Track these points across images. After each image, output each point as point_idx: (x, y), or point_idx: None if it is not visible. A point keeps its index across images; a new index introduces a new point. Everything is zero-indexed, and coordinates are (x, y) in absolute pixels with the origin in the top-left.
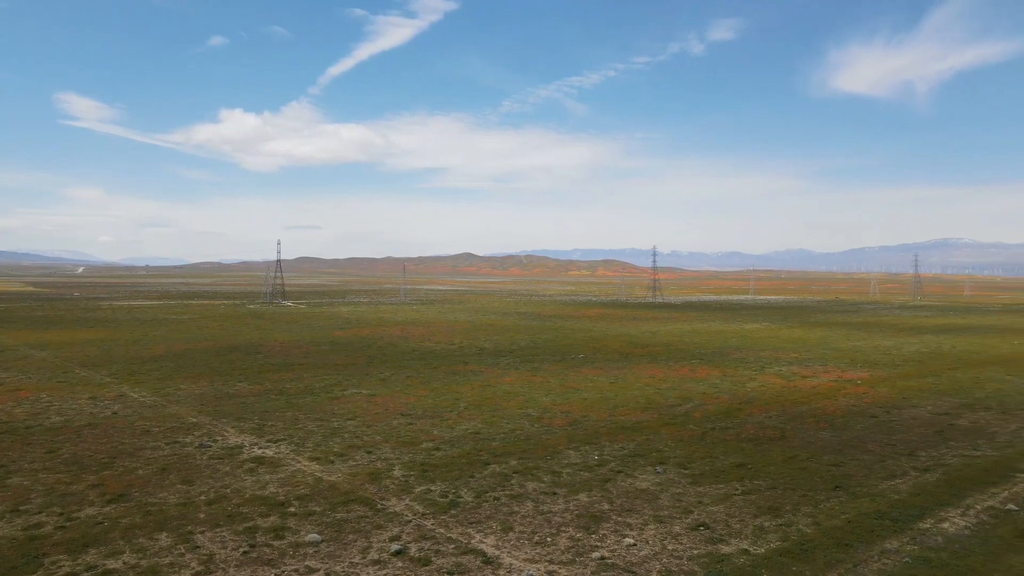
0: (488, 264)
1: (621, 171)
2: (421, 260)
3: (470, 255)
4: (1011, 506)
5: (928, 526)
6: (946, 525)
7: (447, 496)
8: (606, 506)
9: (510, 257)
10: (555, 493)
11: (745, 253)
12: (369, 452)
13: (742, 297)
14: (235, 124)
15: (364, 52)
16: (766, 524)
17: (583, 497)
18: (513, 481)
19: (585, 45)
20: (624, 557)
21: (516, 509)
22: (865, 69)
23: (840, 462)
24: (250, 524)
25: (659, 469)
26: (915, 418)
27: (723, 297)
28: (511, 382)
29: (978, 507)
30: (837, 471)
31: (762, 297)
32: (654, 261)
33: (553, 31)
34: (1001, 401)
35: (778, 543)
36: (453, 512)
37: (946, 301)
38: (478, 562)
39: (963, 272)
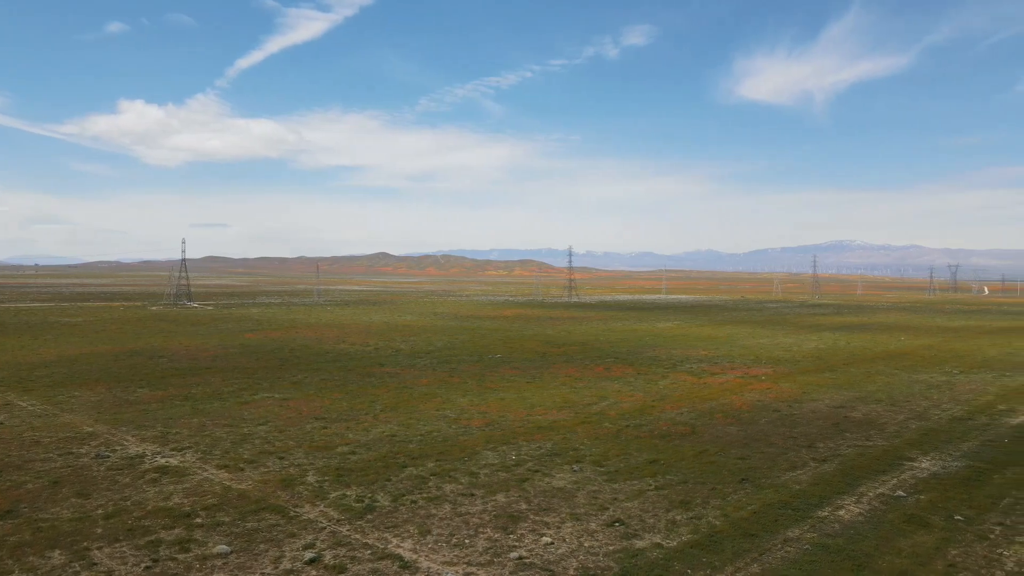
0: (404, 264)
1: (538, 172)
2: (335, 260)
3: (386, 255)
4: (900, 492)
5: (826, 514)
6: (842, 513)
7: (363, 501)
8: (524, 506)
9: (427, 257)
10: (473, 494)
11: (657, 253)
12: (281, 458)
13: (655, 296)
14: (135, 116)
15: (275, 45)
16: (678, 518)
17: (501, 497)
18: (430, 483)
19: (502, 45)
20: (542, 556)
21: (434, 512)
22: (768, 78)
23: (746, 455)
24: (152, 538)
25: (575, 467)
26: (814, 411)
27: (636, 296)
28: (428, 383)
29: (871, 494)
30: (744, 464)
31: (674, 296)
32: (570, 261)
33: (470, 30)
34: (890, 394)
35: (689, 536)
36: (369, 517)
37: (841, 300)
38: (395, 567)
39: (856, 272)
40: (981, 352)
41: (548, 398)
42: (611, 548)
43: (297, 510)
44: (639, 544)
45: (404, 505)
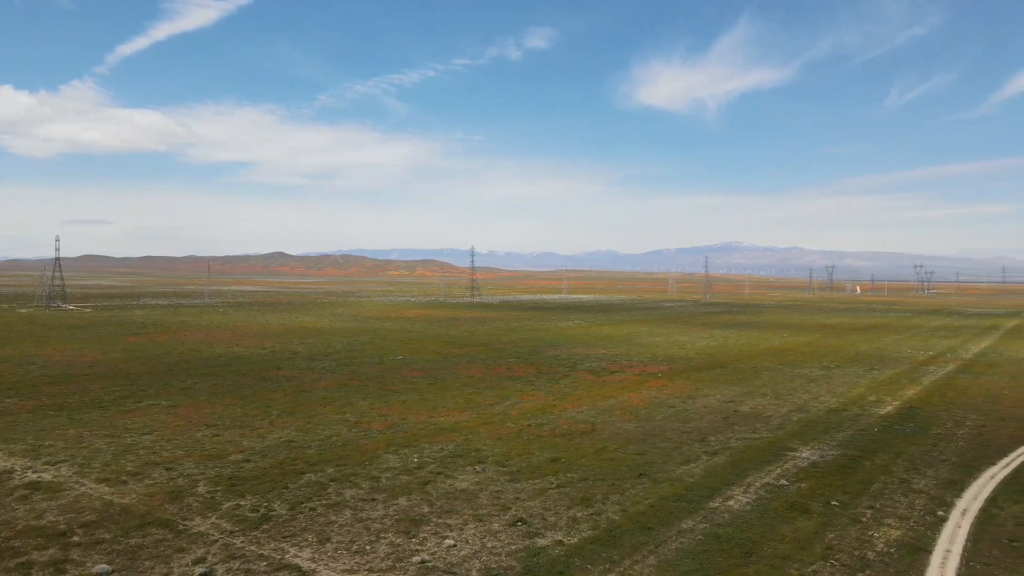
0: (302, 264)
1: (441, 171)
2: (228, 260)
3: (282, 254)
4: (783, 481)
5: (717, 504)
6: (732, 503)
7: (258, 510)
8: (426, 509)
9: (326, 257)
10: (374, 499)
11: (559, 254)
12: (169, 469)
13: (556, 296)
14: (2, 102)
15: (161, 32)
16: (579, 515)
17: (403, 501)
18: (330, 489)
19: (405, 43)
20: (444, 559)
21: (333, 518)
22: (664, 85)
23: (644, 451)
24: (23, 559)
25: (478, 468)
26: (706, 407)
27: (538, 296)
28: (327, 387)
29: (757, 484)
30: (641, 460)
31: (574, 296)
32: (472, 261)
33: (372, 25)
34: (774, 388)
35: (590, 532)
36: (265, 527)
37: (731, 299)
38: None
39: (744, 272)
40: (854, 348)
41: (451, 399)
42: (513, 547)
43: (186, 523)
44: (541, 542)
45: (302, 513)
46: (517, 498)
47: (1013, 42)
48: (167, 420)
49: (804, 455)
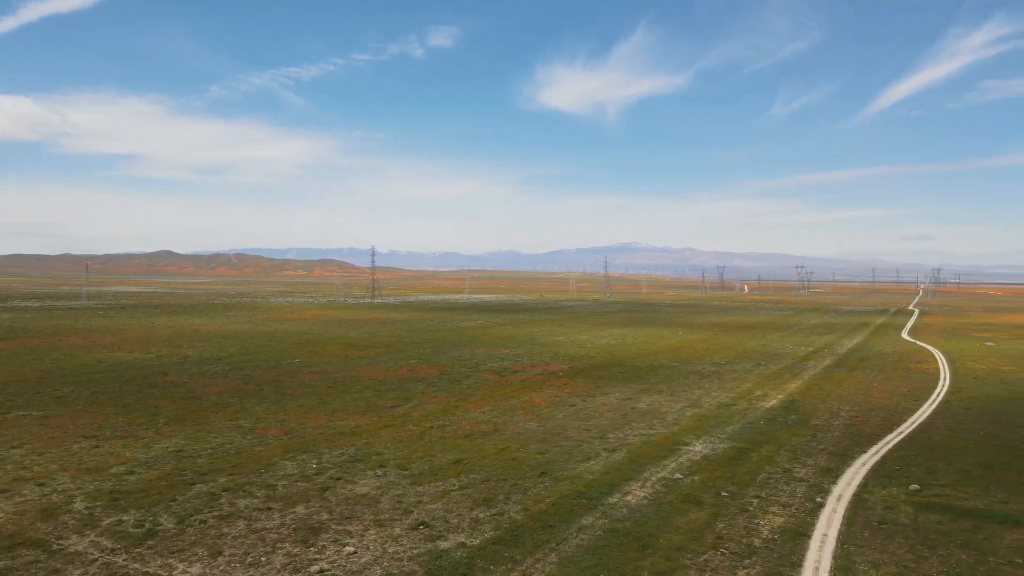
0: (192, 263)
1: (341, 169)
2: (109, 259)
3: (170, 253)
4: (678, 475)
5: (616, 500)
6: (630, 498)
7: (143, 525)
8: (325, 516)
9: (217, 256)
10: (270, 508)
11: (462, 253)
12: (41, 484)
13: (458, 296)
14: None
15: (33, 12)
16: (481, 516)
17: (300, 509)
18: (222, 500)
19: (303, 35)
20: (344, 567)
21: (226, 530)
22: (567, 88)
23: (545, 450)
24: None
25: (379, 472)
26: (605, 404)
27: (441, 296)
28: (219, 392)
29: (654, 479)
30: (543, 458)
31: (477, 296)
32: (373, 261)
33: (268, 15)
34: (670, 385)
35: (492, 532)
36: (151, 543)
37: (629, 298)
38: None
39: (642, 272)
40: (742, 345)
41: (351, 402)
42: (416, 552)
43: (62, 543)
44: (443, 545)
45: (192, 526)
46: (419, 501)
47: (884, 60)
48: (39, 432)
49: (697, 449)
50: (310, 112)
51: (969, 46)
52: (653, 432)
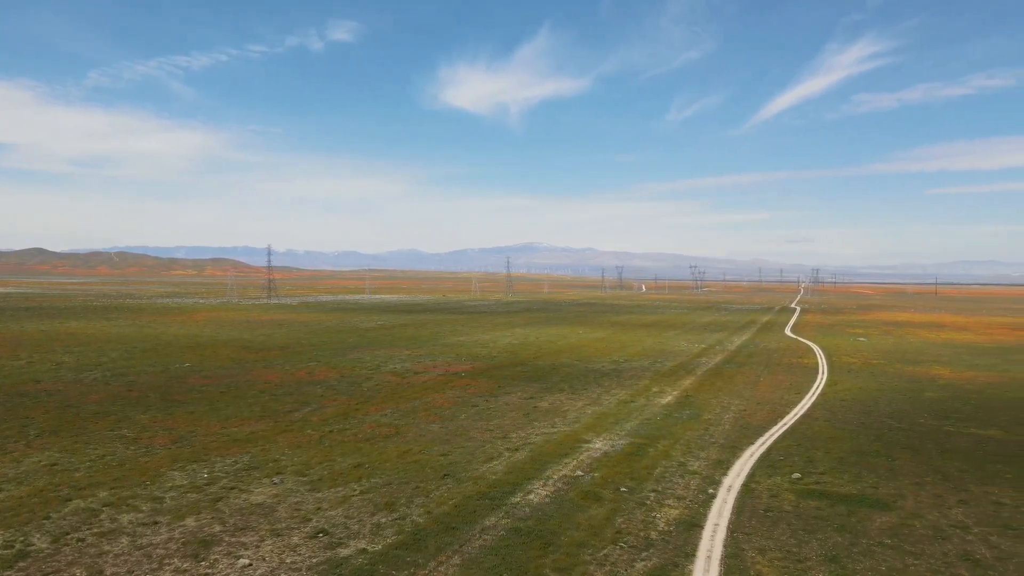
0: (68, 262)
1: (235, 164)
2: None
3: (42, 251)
4: (579, 472)
5: (519, 500)
6: (532, 497)
7: (13, 546)
8: (218, 528)
9: (97, 254)
10: (156, 522)
11: (362, 253)
12: None
13: (359, 296)
14: None
15: None
16: (383, 521)
17: (191, 522)
18: (103, 516)
19: (193, 22)
20: None
21: (108, 548)
22: (470, 88)
23: (448, 451)
24: None
25: (276, 480)
26: (508, 404)
27: (340, 297)
28: (99, 400)
29: (555, 477)
30: (446, 460)
31: (378, 296)
32: (269, 260)
33: None
34: (571, 384)
35: (394, 537)
36: (22, 565)
37: (531, 297)
38: None
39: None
40: (641, 343)
41: (245, 408)
42: (315, 560)
43: None
44: (344, 552)
45: (68, 545)
46: (318, 508)
47: (770, 71)
48: None
49: (597, 446)
50: (201, 104)
51: (844, 61)
52: (555, 431)
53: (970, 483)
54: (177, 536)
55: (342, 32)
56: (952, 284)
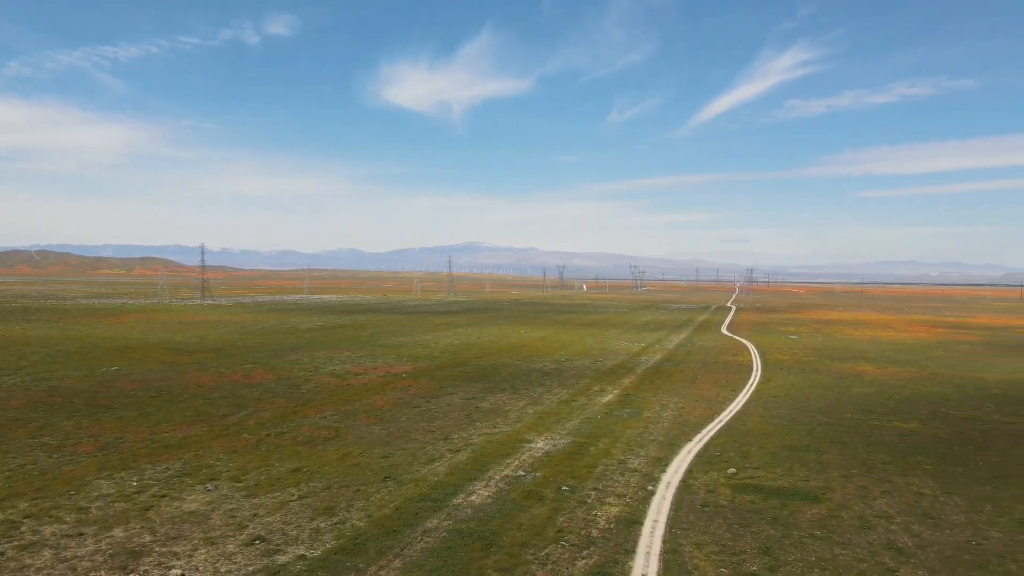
0: None
1: (167, 160)
2: None
3: None
4: (520, 472)
5: (460, 501)
6: (474, 498)
7: None
8: (148, 538)
9: (16, 252)
10: (82, 534)
11: (300, 252)
12: None
13: (297, 296)
14: None
15: None
16: (322, 525)
17: (118, 532)
18: (24, 528)
19: (121, 10)
20: None
21: (29, 562)
22: (412, 86)
23: (389, 453)
24: None
25: (210, 486)
26: (450, 405)
27: (278, 297)
28: (19, 406)
29: (497, 477)
30: (386, 462)
31: (316, 296)
32: (203, 259)
33: None
34: (513, 383)
35: (334, 542)
36: None
37: (473, 297)
38: None
39: (485, 271)
40: (582, 342)
41: (177, 412)
42: (251, 569)
43: None
44: (282, 559)
45: None
46: (255, 515)
47: (708, 75)
48: None
49: (539, 446)
50: (130, 97)
51: (777, 68)
52: (497, 431)
53: (893, 475)
54: (104, 547)
55: (279, 26)
56: (876, 283)
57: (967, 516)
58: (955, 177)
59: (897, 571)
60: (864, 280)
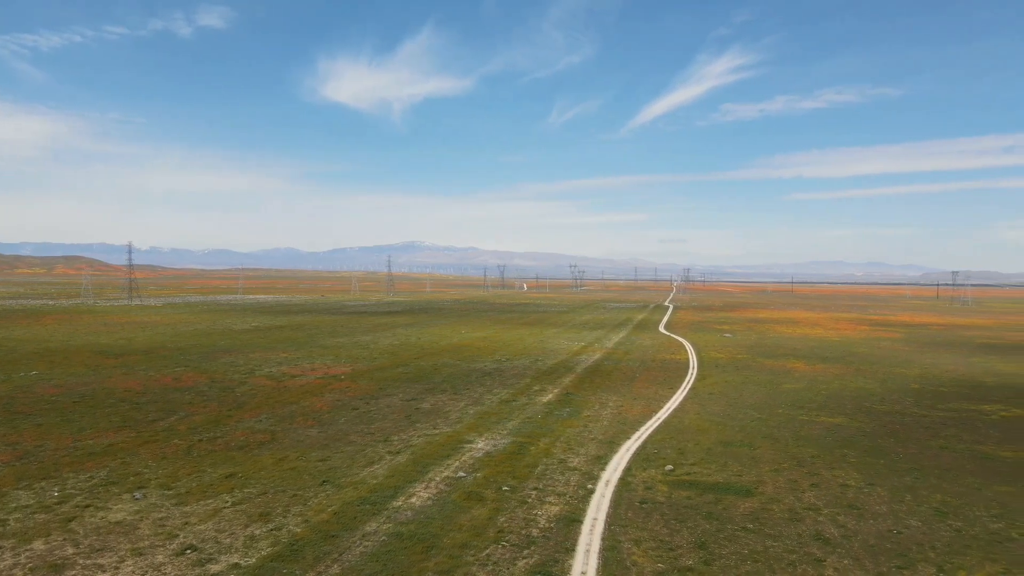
0: None
1: (91, 155)
2: None
3: None
4: (461, 473)
5: (400, 503)
6: (414, 500)
7: None
8: (71, 550)
9: None
10: None
11: (234, 251)
12: None
13: (231, 297)
14: None
15: None
16: (257, 532)
17: (39, 545)
18: None
19: None
20: None
21: None
22: (352, 82)
23: (327, 456)
24: None
25: (137, 495)
26: (389, 406)
27: (211, 297)
28: None
29: (438, 479)
30: (325, 466)
31: (252, 296)
32: (130, 258)
33: None
34: (453, 384)
35: (269, 549)
36: None
37: (413, 297)
38: None
39: (425, 271)
40: (522, 341)
41: (102, 418)
42: None
43: None
44: (214, 569)
45: None
46: (186, 523)
47: (647, 78)
48: None
49: (480, 446)
50: (52, 88)
51: (713, 72)
52: (437, 432)
53: (821, 468)
54: (23, 561)
55: (212, 17)
56: (806, 283)
57: (889, 506)
58: (879, 181)
59: (824, 561)
60: (795, 279)
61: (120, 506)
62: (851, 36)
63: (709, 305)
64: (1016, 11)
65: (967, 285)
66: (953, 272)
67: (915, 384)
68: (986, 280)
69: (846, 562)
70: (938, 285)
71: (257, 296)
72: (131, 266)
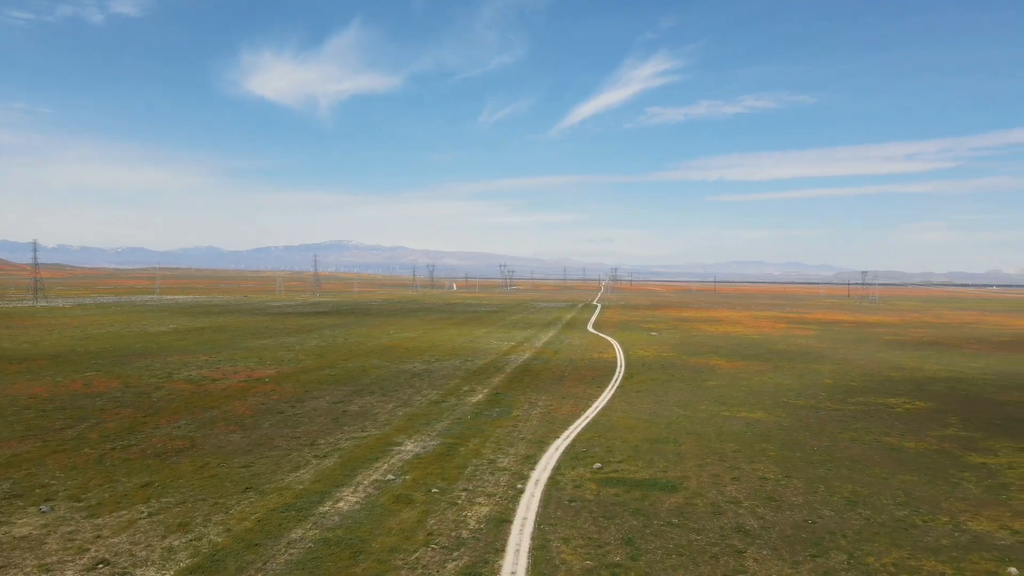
0: None
1: None
2: None
3: None
4: (390, 476)
5: (327, 508)
6: (342, 504)
7: None
8: None
9: None
10: None
11: (150, 250)
12: None
13: (147, 297)
14: None
15: None
16: (176, 543)
17: None
18: None
19: None
20: None
21: None
22: (276, 76)
23: (250, 463)
24: None
25: (44, 508)
26: (316, 409)
27: (124, 298)
28: None
29: (366, 482)
30: (247, 472)
31: (169, 297)
32: (35, 257)
33: None
34: (382, 385)
35: (188, 560)
36: None
37: (340, 297)
38: None
39: (353, 270)
40: (451, 341)
41: (5, 427)
42: None
43: None
44: None
45: None
46: (98, 536)
47: (575, 80)
48: None
49: (409, 448)
50: None
51: (640, 76)
52: (365, 434)
53: (741, 462)
54: None
55: (127, 5)
56: (728, 282)
57: (804, 497)
58: (795, 184)
59: (745, 552)
60: (717, 279)
61: (25, 520)
62: (770, 44)
63: (636, 304)
64: (923, 25)
65: (875, 284)
66: (863, 272)
67: (828, 379)
68: (892, 280)
69: (765, 552)
70: (849, 284)
71: (176, 296)
72: (36, 265)
